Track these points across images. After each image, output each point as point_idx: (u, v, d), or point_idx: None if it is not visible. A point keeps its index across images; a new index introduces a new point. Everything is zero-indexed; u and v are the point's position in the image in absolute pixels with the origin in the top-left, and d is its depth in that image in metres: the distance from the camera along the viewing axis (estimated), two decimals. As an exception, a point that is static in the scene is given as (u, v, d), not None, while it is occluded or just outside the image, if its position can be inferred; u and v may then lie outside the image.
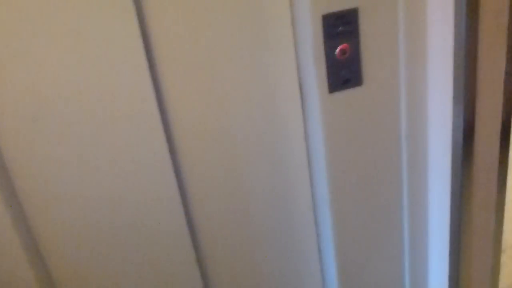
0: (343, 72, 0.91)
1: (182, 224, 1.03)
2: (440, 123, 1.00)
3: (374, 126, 0.99)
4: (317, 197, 1.11)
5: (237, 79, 0.94)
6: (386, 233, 1.12)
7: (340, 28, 0.87)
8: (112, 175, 0.92)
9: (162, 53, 0.87)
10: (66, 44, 0.80)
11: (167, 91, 0.91)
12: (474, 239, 1.06)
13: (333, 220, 1.06)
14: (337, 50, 0.89)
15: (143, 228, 1.00)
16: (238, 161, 1.03)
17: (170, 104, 0.92)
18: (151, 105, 0.89)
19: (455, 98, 0.93)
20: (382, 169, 1.04)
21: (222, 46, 0.91)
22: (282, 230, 1.15)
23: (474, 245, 1.07)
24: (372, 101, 0.97)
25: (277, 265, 1.19)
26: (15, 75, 0.80)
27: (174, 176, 0.97)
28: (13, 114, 0.83)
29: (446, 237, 1.08)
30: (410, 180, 1.07)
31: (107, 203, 0.94)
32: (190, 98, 0.93)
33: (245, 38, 0.92)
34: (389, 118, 1.00)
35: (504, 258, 1.67)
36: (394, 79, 0.96)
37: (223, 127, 0.98)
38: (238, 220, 1.10)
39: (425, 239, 1.15)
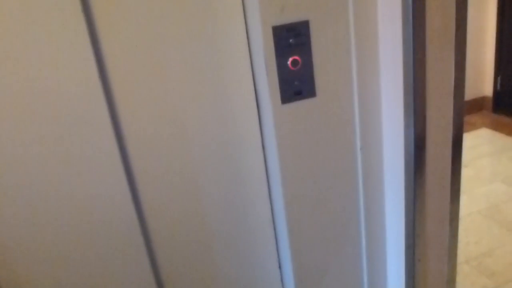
0: (296, 83, 0.92)
1: (137, 234, 1.02)
2: (393, 135, 1.01)
3: (329, 137, 1.00)
4: (274, 208, 1.12)
5: (193, 92, 0.95)
6: (344, 243, 1.13)
7: (292, 40, 0.88)
8: (62, 178, 0.91)
9: (114, 65, 0.87)
10: (13, 45, 0.80)
11: (120, 102, 0.90)
12: (428, 250, 1.07)
13: (289, 231, 1.06)
14: (289, 61, 0.90)
15: (96, 236, 0.98)
16: (194, 172, 1.02)
17: (124, 118, 0.92)
18: (100, 108, 0.88)
19: (406, 109, 0.95)
20: (338, 180, 1.05)
21: (177, 59, 0.91)
22: (241, 240, 1.14)
23: (429, 256, 1.08)
24: (325, 112, 0.98)
25: (236, 275, 1.18)
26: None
27: (127, 184, 0.96)
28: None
29: (402, 248, 1.09)
30: (366, 190, 1.08)
31: (56, 205, 0.93)
32: (144, 113, 0.93)
33: (202, 51, 0.92)
34: (343, 130, 1.01)
35: (468, 269, 1.70)
36: (347, 91, 0.98)
37: (179, 139, 0.98)
38: (195, 232, 1.09)
39: (382, 249, 1.16)
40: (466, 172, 2.51)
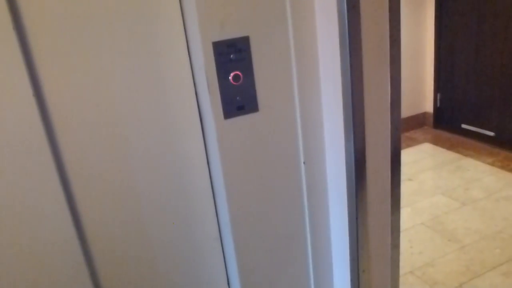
0: (238, 99, 0.93)
1: (78, 253, 0.98)
2: (335, 149, 1.04)
3: (272, 152, 1.01)
4: (221, 224, 1.11)
5: (135, 110, 0.93)
6: (291, 258, 1.13)
7: (232, 56, 0.89)
8: None
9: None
10: None
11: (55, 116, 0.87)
12: (372, 261, 1.10)
13: (236, 248, 1.06)
14: (231, 76, 0.90)
15: (32, 247, 0.94)
16: (137, 190, 1.00)
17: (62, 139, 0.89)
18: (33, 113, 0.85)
19: (346, 124, 0.97)
20: (283, 195, 1.06)
21: (118, 76, 0.89)
22: (188, 259, 1.12)
23: (373, 267, 1.11)
24: (268, 127, 0.99)
25: (182, 296, 1.16)
26: None
27: (64, 199, 0.93)
28: None
29: (347, 260, 1.11)
30: (310, 204, 1.09)
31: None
32: (83, 128, 0.90)
33: (143, 67, 0.91)
34: (286, 144, 1.02)
35: (412, 279, 1.75)
36: (289, 105, 0.99)
37: (121, 158, 0.95)
38: (138, 251, 1.06)
39: (328, 262, 1.18)
40: (410, 186, 2.61)
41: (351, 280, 1.11)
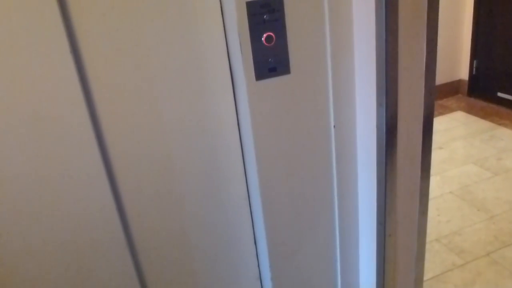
0: (270, 60, 0.92)
1: (114, 215, 1.02)
2: (366, 113, 1.03)
3: (302, 115, 1.01)
4: (250, 185, 1.13)
5: (167, 71, 0.94)
6: (317, 220, 1.15)
7: (266, 16, 0.88)
8: (42, 178, 0.91)
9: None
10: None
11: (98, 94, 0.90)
12: (399, 226, 1.10)
13: (264, 208, 1.08)
14: (263, 37, 0.90)
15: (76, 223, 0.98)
16: (169, 151, 1.02)
17: (101, 108, 0.92)
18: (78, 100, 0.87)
19: (378, 88, 0.96)
20: (311, 158, 1.06)
21: (152, 37, 0.90)
22: (217, 218, 1.15)
23: (399, 232, 1.11)
24: (299, 90, 0.98)
25: (212, 252, 1.19)
26: None
27: (103, 166, 0.96)
28: None
29: (374, 224, 1.11)
30: (339, 168, 1.10)
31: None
32: (119, 93, 0.92)
33: (176, 28, 0.91)
34: (317, 107, 1.02)
35: (438, 246, 1.75)
36: (321, 68, 0.98)
37: (153, 118, 0.97)
38: (170, 210, 1.10)
39: (355, 225, 1.19)
40: (440, 154, 2.56)
41: (377, 244, 1.12)
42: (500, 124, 2.85)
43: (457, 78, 3.38)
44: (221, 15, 0.94)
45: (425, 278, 1.28)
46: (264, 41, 0.90)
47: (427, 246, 1.29)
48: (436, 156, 2.54)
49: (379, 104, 0.97)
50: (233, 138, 1.07)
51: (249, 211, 1.18)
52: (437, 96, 3.25)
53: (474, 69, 3.25)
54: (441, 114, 3.12)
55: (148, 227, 1.09)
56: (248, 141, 1.02)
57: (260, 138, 0.99)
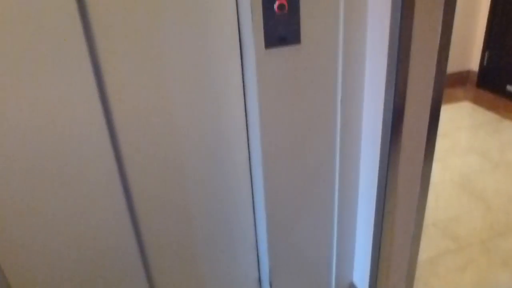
0: (281, 29, 0.92)
1: (115, 179, 1.03)
2: (374, 90, 1.03)
3: (310, 86, 1.01)
4: (252, 154, 1.14)
5: (176, 30, 0.94)
6: (317, 192, 1.16)
7: (280, -17, 0.88)
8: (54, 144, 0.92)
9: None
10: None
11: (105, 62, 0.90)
12: (398, 204, 1.11)
13: (265, 177, 1.09)
14: (276, 5, 0.89)
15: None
16: (173, 115, 1.03)
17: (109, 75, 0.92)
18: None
19: (389, 67, 0.96)
20: (316, 129, 1.07)
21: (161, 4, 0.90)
22: (217, 186, 1.17)
23: (398, 211, 1.12)
24: (309, 60, 0.98)
25: (211, 222, 1.21)
26: None
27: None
28: None
29: (373, 199, 1.13)
30: (343, 142, 1.10)
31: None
32: (127, 60, 0.92)
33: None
34: (325, 79, 1.02)
35: (434, 231, 1.76)
36: (332, 40, 0.98)
37: (158, 83, 0.98)
38: (172, 176, 1.11)
39: (354, 200, 1.20)
40: (443, 142, 2.56)
41: (375, 220, 1.13)
42: (506, 117, 2.84)
43: (467, 69, 3.35)
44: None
45: (418, 259, 1.29)
46: (276, 9, 0.90)
47: (423, 230, 1.30)
48: (440, 143, 2.54)
49: (388, 83, 0.97)
50: (238, 105, 1.07)
51: (250, 181, 1.19)
52: (445, 85, 3.23)
53: (485, 60, 3.22)
54: (447, 103, 3.10)
55: (149, 194, 1.11)
56: (253, 109, 1.02)
57: (266, 106, 1.00)
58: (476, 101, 3.12)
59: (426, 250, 1.69)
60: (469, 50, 3.29)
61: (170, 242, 1.20)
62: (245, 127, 1.11)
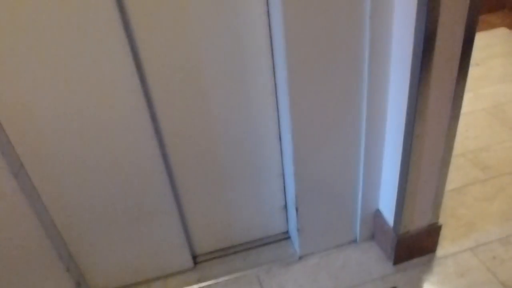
0: None
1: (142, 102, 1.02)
2: (405, 8, 0.95)
3: (337, 3, 0.95)
4: (277, 78, 1.10)
5: None
6: (344, 116, 1.12)
7: None
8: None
9: None
10: None
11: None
12: (428, 128, 1.07)
13: (291, 102, 1.06)
14: None
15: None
16: (196, 41, 1.00)
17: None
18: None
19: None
20: (344, 49, 1.02)
21: None
22: (242, 111, 1.15)
23: (428, 134, 1.09)
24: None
25: (237, 148, 1.20)
26: None
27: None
28: None
29: (402, 123, 1.09)
30: (371, 62, 1.05)
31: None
32: None
33: None
34: (354, -5, 0.95)
35: (463, 161, 1.73)
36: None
37: (183, 11, 0.93)
38: (197, 104, 1.09)
39: (382, 122, 1.16)
40: (476, 71, 2.45)
41: (403, 144, 1.10)
42: (545, 44, 2.68)
43: (505, -7, 3.14)
44: None
45: (446, 188, 1.27)
46: None
47: (452, 160, 1.26)
48: (472, 72, 2.43)
49: (419, 7, 0.90)
50: (261, 26, 1.03)
51: (276, 106, 1.16)
52: (480, 10, 3.04)
53: (525, -17, 3.00)
54: (483, 29, 2.93)
55: (175, 122, 1.10)
56: (277, 29, 0.97)
57: (291, 26, 0.95)
58: (513, 27, 2.94)
59: (454, 180, 1.66)
60: (508, -28, 3.06)
61: (197, 168, 1.21)
62: (270, 49, 1.07)
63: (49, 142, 1.01)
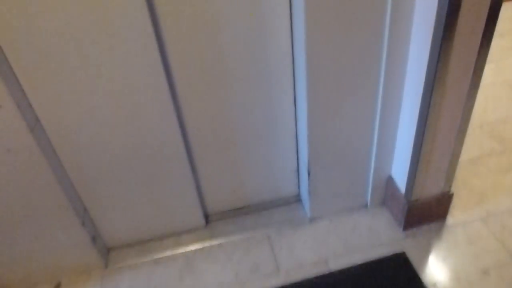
0: None
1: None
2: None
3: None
4: (295, 40, 1.09)
5: None
6: (361, 80, 1.11)
7: None
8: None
9: None
10: None
11: None
12: (446, 95, 1.06)
13: (307, 63, 1.05)
14: None
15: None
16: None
17: None
18: None
19: None
20: (364, 7, 0.99)
21: None
22: (258, 72, 1.14)
23: (446, 102, 1.07)
24: None
25: (251, 108, 1.20)
26: None
27: None
28: None
29: (420, 90, 1.08)
30: (392, 24, 1.03)
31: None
32: None
33: None
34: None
35: (479, 133, 1.71)
36: None
37: None
38: (213, 64, 1.09)
39: (400, 90, 1.15)
40: (500, 42, 2.39)
41: (420, 111, 1.09)
42: None
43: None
44: None
45: (460, 158, 1.26)
46: None
47: (468, 132, 1.25)
48: (495, 43, 2.37)
49: None
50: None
51: (292, 67, 1.16)
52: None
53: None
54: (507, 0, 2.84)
55: (190, 82, 1.10)
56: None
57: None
58: (542, -2, 2.83)
59: (470, 150, 1.65)
60: None
61: (211, 129, 1.22)
62: (289, 7, 1.05)
63: (64, 97, 1.03)
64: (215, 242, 1.39)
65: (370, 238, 1.35)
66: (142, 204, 1.30)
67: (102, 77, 1.02)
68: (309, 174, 1.28)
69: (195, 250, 1.37)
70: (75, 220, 1.19)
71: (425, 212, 1.34)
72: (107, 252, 1.38)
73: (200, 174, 1.32)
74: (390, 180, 1.36)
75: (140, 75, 1.03)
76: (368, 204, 1.43)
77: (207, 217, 1.45)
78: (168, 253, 1.37)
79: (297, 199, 1.48)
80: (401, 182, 1.30)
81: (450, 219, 1.38)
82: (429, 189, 1.28)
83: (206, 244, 1.38)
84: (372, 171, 1.32)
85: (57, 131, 1.08)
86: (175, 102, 1.13)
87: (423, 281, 1.21)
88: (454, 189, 1.32)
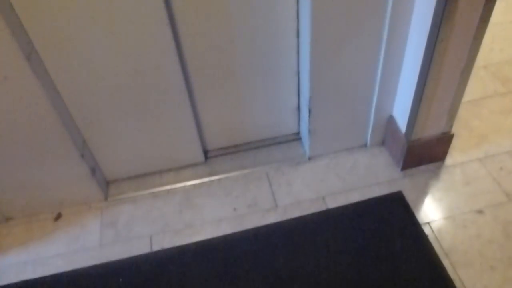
0: None
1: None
2: None
3: None
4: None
5: None
6: (366, 17, 1.07)
7: None
8: None
9: None
10: None
11: None
12: (454, 32, 1.02)
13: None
14: None
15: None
16: None
17: None
18: None
19: None
20: None
21: None
22: (260, 2, 1.09)
23: (453, 38, 1.04)
24: None
25: (253, 41, 1.17)
26: None
27: None
28: None
29: (428, 26, 1.04)
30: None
31: None
32: None
33: None
34: None
35: (484, 73, 1.68)
36: None
37: None
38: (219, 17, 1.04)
39: (406, 28, 1.11)
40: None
41: (426, 48, 1.06)
42: None
43: None
44: None
45: (462, 99, 1.24)
46: None
47: (473, 71, 1.22)
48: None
49: None
50: None
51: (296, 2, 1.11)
52: None
53: None
54: None
55: (191, 15, 1.06)
56: None
57: None
58: None
59: (473, 91, 1.63)
60: None
61: (211, 63, 1.19)
62: None
63: (60, 25, 0.99)
64: (214, 177, 1.40)
65: (368, 177, 1.36)
66: (141, 138, 1.30)
67: (100, 1, 0.97)
68: (310, 112, 1.26)
69: (194, 185, 1.39)
70: (74, 151, 1.19)
71: (424, 153, 1.34)
72: (107, 185, 1.40)
73: (200, 109, 1.31)
74: (391, 120, 1.35)
75: (140, 4, 0.99)
76: (368, 143, 1.43)
77: (206, 153, 1.45)
78: (168, 187, 1.39)
79: (297, 137, 1.48)
80: (402, 121, 1.29)
81: (449, 160, 1.39)
82: (429, 129, 1.27)
83: (205, 179, 1.40)
84: (373, 110, 1.31)
85: (53, 60, 1.05)
86: (175, 35, 1.09)
87: (418, 219, 1.24)
88: (454, 130, 1.31)
